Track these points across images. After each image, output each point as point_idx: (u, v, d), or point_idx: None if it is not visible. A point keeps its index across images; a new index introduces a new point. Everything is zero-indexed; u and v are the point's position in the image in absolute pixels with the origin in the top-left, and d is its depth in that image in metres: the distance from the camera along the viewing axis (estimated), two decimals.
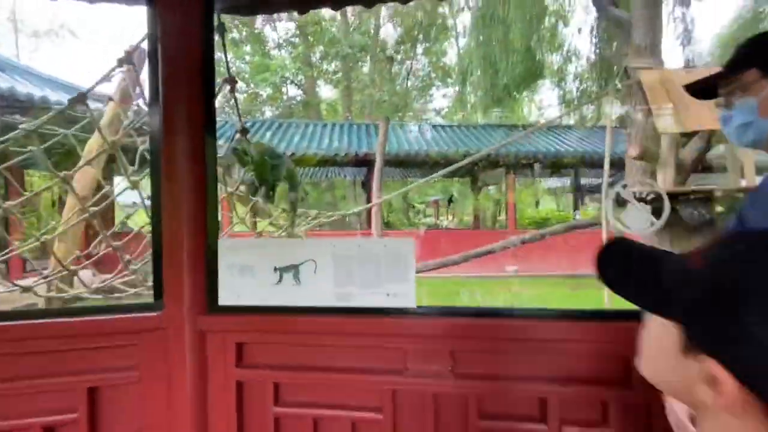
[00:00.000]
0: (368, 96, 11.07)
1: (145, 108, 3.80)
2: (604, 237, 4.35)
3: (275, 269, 1.23)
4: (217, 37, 1.35)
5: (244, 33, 14.14)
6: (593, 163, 8.94)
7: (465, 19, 17.34)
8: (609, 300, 4.35)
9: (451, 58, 22.80)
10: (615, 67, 6.04)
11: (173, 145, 1.22)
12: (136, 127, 2.89)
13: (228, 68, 1.88)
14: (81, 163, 3.13)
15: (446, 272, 8.07)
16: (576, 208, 12.64)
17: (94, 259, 3.00)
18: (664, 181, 3.69)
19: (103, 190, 3.09)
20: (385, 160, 6.44)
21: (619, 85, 4.26)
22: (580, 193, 13.16)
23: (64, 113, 2.63)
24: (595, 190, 15.27)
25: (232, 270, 1.25)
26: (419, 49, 17.36)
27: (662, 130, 3.44)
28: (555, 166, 9.77)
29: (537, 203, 16.28)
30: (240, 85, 14.98)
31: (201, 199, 1.26)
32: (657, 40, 4.32)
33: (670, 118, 3.48)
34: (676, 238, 4.20)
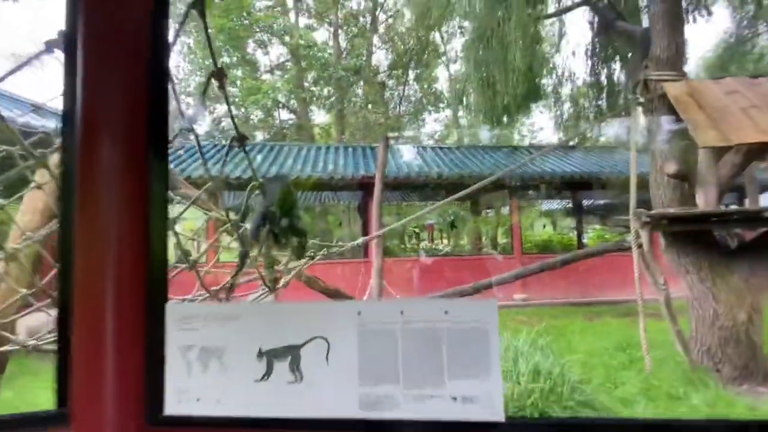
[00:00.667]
0: (363, 118, 10.81)
1: None
2: (636, 262, 3.91)
3: (260, 354, 0.74)
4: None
5: (234, 58, 14.01)
6: (601, 185, 8.65)
7: (457, 45, 17.64)
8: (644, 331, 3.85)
9: (442, 83, 23.15)
10: (629, 82, 5.79)
11: (95, 164, 0.76)
12: None
13: (214, 58, 1.43)
14: (30, 186, 2.62)
15: None
16: (578, 230, 12.30)
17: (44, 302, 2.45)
18: (705, 200, 3.30)
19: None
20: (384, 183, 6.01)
21: (641, 99, 3.94)
22: (580, 215, 12.88)
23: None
24: (593, 211, 15.09)
25: (187, 356, 0.75)
26: (411, 75, 17.46)
27: (703, 144, 3.07)
28: (557, 187, 9.48)
29: (531, 226, 15.95)
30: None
31: (138, 239, 0.77)
32: (680, 52, 4.06)
33: (711, 131, 3.11)
34: (713, 264, 3.77)
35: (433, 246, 19.91)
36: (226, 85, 1.40)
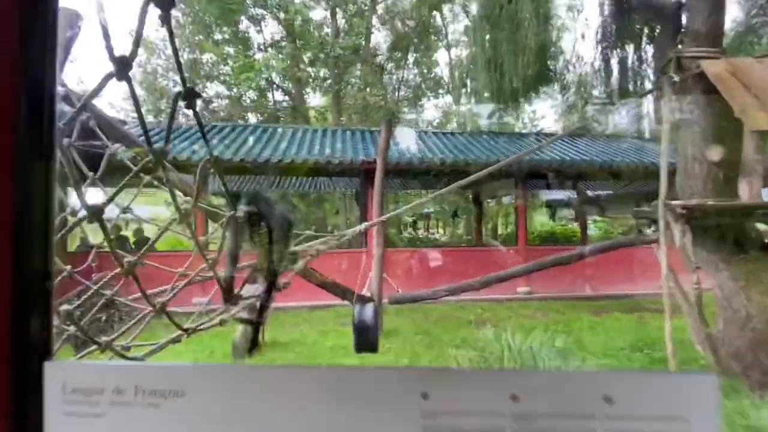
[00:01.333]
0: (362, 100, 10.31)
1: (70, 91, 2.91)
2: (662, 256, 3.58)
3: None
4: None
5: (226, 35, 13.31)
6: (610, 174, 8.33)
7: (459, 28, 17.02)
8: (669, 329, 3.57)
9: (442, 69, 22.51)
10: (656, 60, 5.39)
11: None
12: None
13: (182, 75, 1.07)
14: None
15: (451, 297, 7.24)
16: (582, 222, 12.02)
17: None
18: (750, 192, 2.97)
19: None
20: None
21: (675, 78, 3.55)
22: (585, 206, 12.59)
23: None
24: (594, 202, 14.84)
25: None
26: (410, 59, 16.87)
27: (755, 128, 2.72)
28: (567, 176, 9.14)
29: (531, 217, 15.70)
30: (221, 89, 14.08)
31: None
32: (720, 26, 3.67)
33: (762, 113, 2.75)
34: (747, 261, 3.47)
35: (429, 236, 19.63)
36: (196, 106, 1.04)
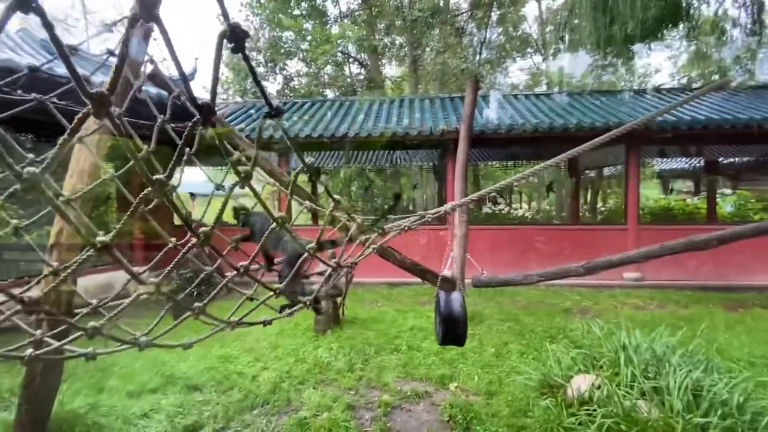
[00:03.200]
0: (441, 65, 9.56)
1: (168, 70, 2.92)
2: None
3: None
4: None
5: (304, 10, 13.37)
6: (753, 134, 6.61)
7: None
8: None
9: (530, 24, 20.11)
10: None
11: None
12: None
13: (264, 95, 0.79)
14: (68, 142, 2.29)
15: (552, 284, 6.54)
16: (711, 195, 9.97)
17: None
18: None
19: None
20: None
21: None
22: (712, 176, 10.40)
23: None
24: (725, 171, 12.10)
25: None
26: (493, 17, 15.30)
27: None
28: (688, 140, 7.53)
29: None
30: (299, 67, 14.35)
31: None
32: None
33: None
34: None
35: (512, 211, 18.39)
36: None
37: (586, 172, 12.95)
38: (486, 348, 4.26)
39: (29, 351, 0.83)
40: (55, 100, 2.24)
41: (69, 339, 0.88)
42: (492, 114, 7.63)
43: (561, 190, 14.46)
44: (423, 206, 13.59)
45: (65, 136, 0.95)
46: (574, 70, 13.73)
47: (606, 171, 13.83)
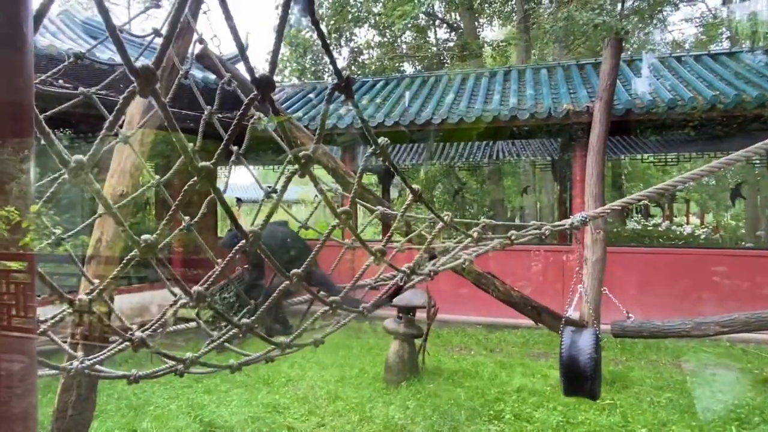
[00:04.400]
0: (564, 21, 9.13)
1: (218, 50, 3.25)
2: None
3: None
4: None
5: None
6: None
7: None
8: None
9: None
10: None
11: None
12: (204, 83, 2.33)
13: (335, 66, 0.93)
14: (118, 139, 2.65)
15: (740, 338, 5.83)
16: None
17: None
18: None
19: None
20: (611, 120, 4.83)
21: None
22: None
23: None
24: None
25: None
26: None
27: None
28: None
29: None
30: (370, 36, 14.91)
31: None
32: None
33: None
34: None
35: (672, 228, 16.86)
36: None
37: None
38: (633, 427, 3.95)
39: (75, 363, 0.97)
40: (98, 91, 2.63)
41: (111, 351, 1.00)
42: (643, 86, 7.10)
43: (756, 197, 12.85)
44: (535, 218, 13.06)
45: (108, 122, 1.10)
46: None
47: None
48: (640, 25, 15.87)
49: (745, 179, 12.58)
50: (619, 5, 14.08)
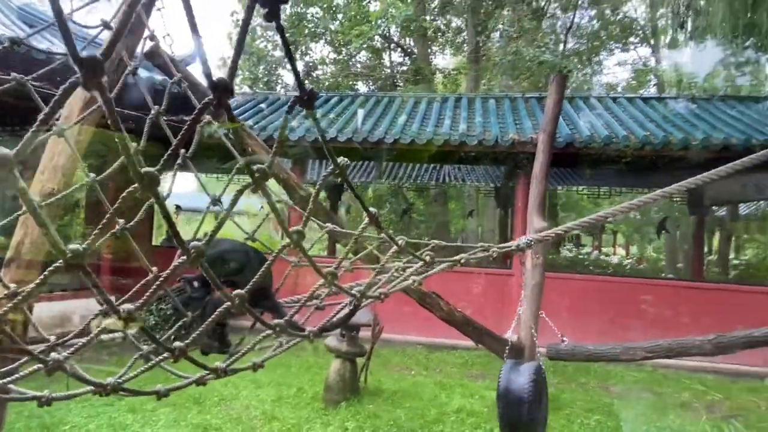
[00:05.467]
0: (511, 55, 9.58)
1: (170, 50, 3.11)
2: None
3: None
4: None
5: None
6: None
7: None
8: None
9: (635, 5, 20.04)
10: None
11: None
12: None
13: (298, 77, 0.88)
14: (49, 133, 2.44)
15: (662, 363, 6.14)
16: None
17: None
18: None
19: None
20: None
21: None
22: None
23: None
24: None
25: None
26: None
27: None
28: None
29: None
30: (326, 52, 14.94)
31: None
32: None
33: None
34: None
35: (603, 257, 17.86)
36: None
37: (714, 208, 12.37)
38: None
39: None
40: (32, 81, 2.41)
41: (20, 374, 0.88)
42: (583, 122, 7.52)
43: (676, 232, 13.85)
44: (477, 241, 13.37)
45: (43, 114, 0.99)
46: (697, 68, 13.42)
47: (743, 208, 13.15)
48: (579, 66, 16.93)
49: (668, 214, 13.53)
50: (562, 45, 14.98)
